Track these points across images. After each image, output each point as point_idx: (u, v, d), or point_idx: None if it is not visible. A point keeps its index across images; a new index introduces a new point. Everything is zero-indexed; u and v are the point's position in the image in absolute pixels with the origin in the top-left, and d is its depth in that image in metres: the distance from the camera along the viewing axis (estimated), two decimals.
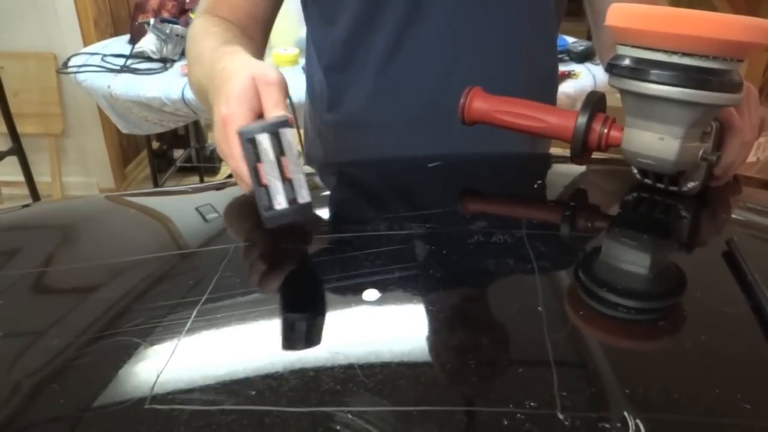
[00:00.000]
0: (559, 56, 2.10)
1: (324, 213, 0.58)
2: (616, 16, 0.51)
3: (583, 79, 1.98)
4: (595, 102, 0.56)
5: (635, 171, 0.60)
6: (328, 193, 0.64)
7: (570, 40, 2.14)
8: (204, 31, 0.68)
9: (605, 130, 0.56)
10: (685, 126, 0.51)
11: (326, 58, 0.80)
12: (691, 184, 0.56)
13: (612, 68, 0.53)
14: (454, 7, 0.73)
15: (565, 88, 1.92)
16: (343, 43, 0.77)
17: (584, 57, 2.07)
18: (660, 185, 0.57)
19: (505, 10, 0.74)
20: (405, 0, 0.72)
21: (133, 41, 2.14)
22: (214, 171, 3.01)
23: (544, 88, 0.85)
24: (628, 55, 0.52)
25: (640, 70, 0.51)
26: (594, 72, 2.01)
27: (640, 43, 0.51)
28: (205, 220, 0.55)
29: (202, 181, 2.94)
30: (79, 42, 2.57)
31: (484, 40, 0.75)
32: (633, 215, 0.55)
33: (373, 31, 0.75)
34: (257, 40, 0.76)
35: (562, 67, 2.06)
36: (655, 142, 0.52)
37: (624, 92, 0.53)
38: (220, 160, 3.07)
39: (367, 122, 0.79)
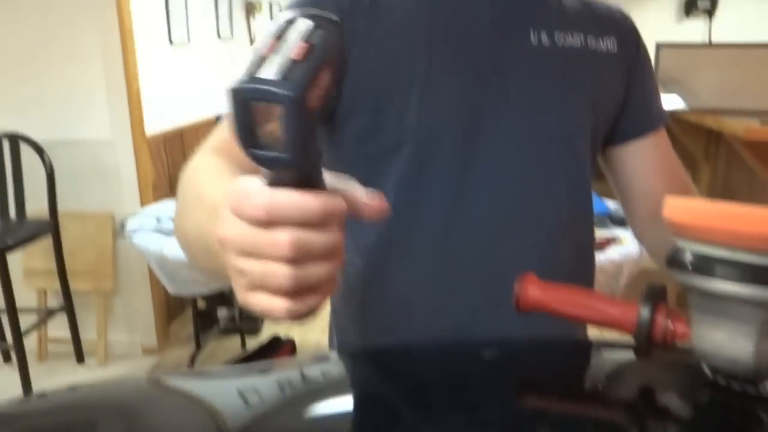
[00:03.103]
0: (602, 221, 2.11)
1: (357, 412, 0.54)
2: (674, 210, 0.50)
3: (628, 244, 1.96)
4: (656, 295, 0.54)
5: (705, 367, 0.56)
6: (360, 387, 0.60)
7: (612, 206, 2.15)
8: (209, 168, 0.65)
9: (670, 325, 0.53)
10: (757, 324, 0.48)
11: (365, 239, 0.78)
12: None
13: (672, 263, 0.51)
14: (503, 182, 0.74)
15: (610, 254, 1.90)
16: (387, 225, 0.74)
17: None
18: (734, 385, 0.53)
19: (551, 186, 0.76)
20: (451, 186, 0.74)
21: None
22: (255, 331, 3.01)
23: (585, 260, 0.85)
24: (690, 249, 0.50)
25: (703, 266, 0.49)
26: None
27: (701, 239, 0.49)
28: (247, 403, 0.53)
29: (243, 341, 2.93)
30: (137, 203, 2.70)
31: (532, 217, 0.76)
32: (706, 422, 0.51)
33: (419, 213, 0.75)
34: None
35: (605, 233, 2.06)
36: (727, 341, 0.49)
37: (689, 288, 0.51)
38: (262, 321, 3.07)
39: (416, 303, 0.77)
